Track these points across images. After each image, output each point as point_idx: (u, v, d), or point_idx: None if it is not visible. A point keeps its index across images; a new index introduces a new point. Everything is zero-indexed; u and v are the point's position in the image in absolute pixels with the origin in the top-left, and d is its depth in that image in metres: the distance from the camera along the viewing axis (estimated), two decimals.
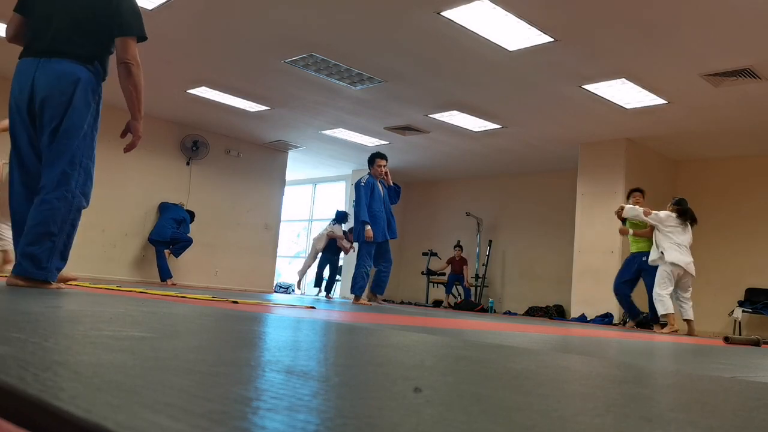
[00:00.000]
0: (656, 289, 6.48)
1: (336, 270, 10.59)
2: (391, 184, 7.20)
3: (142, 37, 3.11)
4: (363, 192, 6.90)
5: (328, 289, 10.38)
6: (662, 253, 6.45)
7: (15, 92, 3.02)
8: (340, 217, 10.36)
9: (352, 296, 7.09)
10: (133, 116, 3.21)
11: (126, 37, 3.07)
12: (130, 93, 3.13)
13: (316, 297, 9.85)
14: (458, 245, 11.66)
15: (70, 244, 3.07)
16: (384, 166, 7.08)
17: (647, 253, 6.80)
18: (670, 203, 6.77)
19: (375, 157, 7.10)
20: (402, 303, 11.61)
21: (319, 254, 10.43)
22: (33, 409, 0.46)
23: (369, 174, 7.09)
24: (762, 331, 8.24)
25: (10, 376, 0.54)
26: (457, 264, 11.48)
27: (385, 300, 10.91)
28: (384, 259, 7.06)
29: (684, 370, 1.58)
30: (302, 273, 10.82)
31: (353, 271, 7.00)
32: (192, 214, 10.01)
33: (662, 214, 6.59)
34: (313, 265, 10.61)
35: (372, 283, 7.13)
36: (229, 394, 0.57)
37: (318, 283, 10.46)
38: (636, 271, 7.06)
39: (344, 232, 10.16)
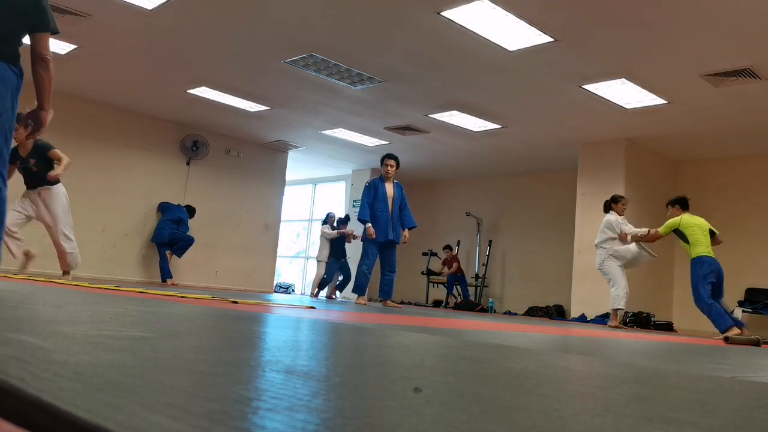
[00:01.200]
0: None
1: (349, 272, 10.46)
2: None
3: (56, 31, 3.18)
4: (366, 192, 7.02)
5: (341, 289, 10.42)
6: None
7: None
8: (324, 221, 10.46)
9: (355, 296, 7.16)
10: (43, 107, 3.28)
11: (45, 33, 3.11)
12: (45, 86, 3.19)
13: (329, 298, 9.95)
14: (448, 247, 11.66)
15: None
16: (392, 166, 7.10)
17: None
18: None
19: (384, 157, 7.17)
20: (402, 303, 11.61)
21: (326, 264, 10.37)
22: (33, 409, 0.46)
23: (380, 176, 7.18)
24: (762, 331, 8.23)
25: (10, 376, 0.54)
26: (451, 263, 11.48)
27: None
28: (388, 265, 7.07)
29: (684, 370, 1.58)
30: (316, 286, 10.67)
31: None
32: (192, 210, 9.98)
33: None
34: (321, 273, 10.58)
35: (379, 290, 7.20)
36: (229, 394, 0.57)
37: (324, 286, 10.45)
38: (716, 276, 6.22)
39: (335, 227, 10.18)
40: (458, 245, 12.13)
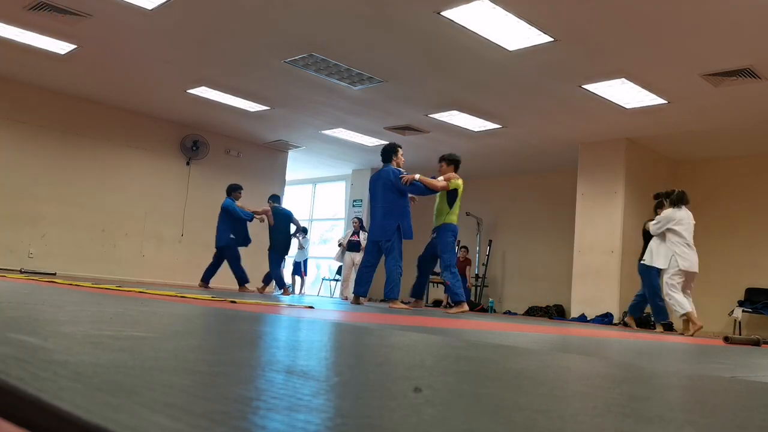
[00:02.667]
0: (669, 292, 6.00)
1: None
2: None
3: None
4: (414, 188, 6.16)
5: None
6: (673, 257, 6.00)
7: None
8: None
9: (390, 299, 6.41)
10: None
11: None
12: None
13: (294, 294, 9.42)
14: (463, 246, 11.64)
15: None
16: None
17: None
18: (663, 202, 6.33)
19: (398, 147, 6.35)
20: (402, 303, 11.60)
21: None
22: (33, 409, 0.46)
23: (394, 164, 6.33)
24: (762, 331, 8.24)
25: (10, 376, 0.54)
26: (461, 265, 11.47)
27: (382, 300, 10.83)
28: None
29: (684, 370, 1.58)
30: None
31: (391, 272, 6.33)
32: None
33: (667, 213, 6.14)
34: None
35: (388, 291, 6.46)
36: (229, 394, 0.57)
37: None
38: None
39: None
40: (458, 245, 12.12)
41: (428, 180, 6.08)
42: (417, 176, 6.06)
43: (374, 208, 6.33)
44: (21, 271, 6.51)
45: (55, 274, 6.82)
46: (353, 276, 10.76)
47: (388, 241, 6.19)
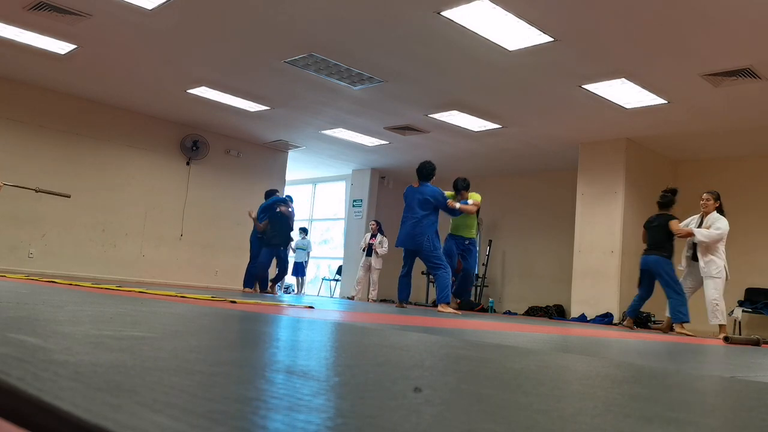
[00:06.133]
0: (717, 297, 6.03)
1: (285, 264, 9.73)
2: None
3: None
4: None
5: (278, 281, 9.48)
6: (725, 267, 6.05)
7: None
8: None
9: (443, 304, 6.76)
10: None
11: None
12: None
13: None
14: None
15: None
16: None
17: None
18: (711, 199, 6.14)
19: (435, 170, 6.95)
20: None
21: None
22: (33, 409, 0.46)
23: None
24: (762, 331, 8.24)
25: (10, 376, 0.54)
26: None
27: (383, 300, 10.83)
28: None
29: (684, 370, 1.58)
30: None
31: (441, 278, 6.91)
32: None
33: (724, 224, 6.05)
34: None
35: (444, 294, 6.97)
36: (229, 394, 0.57)
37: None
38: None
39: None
40: None
41: (466, 207, 6.94)
42: (458, 205, 6.85)
43: (406, 218, 6.86)
44: (36, 190, 6.57)
45: (69, 196, 6.85)
46: (366, 279, 10.74)
47: (426, 252, 6.83)
